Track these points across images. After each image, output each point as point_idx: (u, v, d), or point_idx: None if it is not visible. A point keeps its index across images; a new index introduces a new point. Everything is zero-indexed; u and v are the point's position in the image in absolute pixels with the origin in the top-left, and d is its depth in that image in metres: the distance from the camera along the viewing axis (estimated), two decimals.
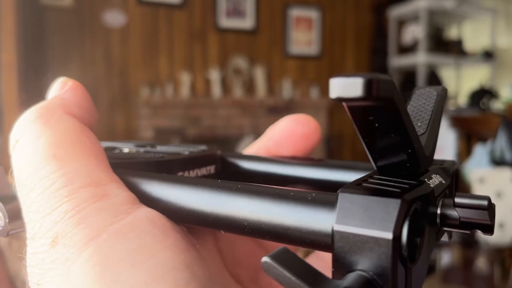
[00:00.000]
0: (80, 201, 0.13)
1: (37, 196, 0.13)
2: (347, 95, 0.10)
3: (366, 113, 0.12)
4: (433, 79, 3.07)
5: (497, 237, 1.72)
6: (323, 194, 0.13)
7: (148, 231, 0.13)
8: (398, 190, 0.12)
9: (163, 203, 0.15)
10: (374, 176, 0.13)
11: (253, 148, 0.22)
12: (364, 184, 0.12)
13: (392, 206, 0.11)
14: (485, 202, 0.12)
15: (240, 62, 2.82)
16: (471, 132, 2.25)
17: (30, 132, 0.14)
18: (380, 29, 3.21)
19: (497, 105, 2.88)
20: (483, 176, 1.76)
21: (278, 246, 0.20)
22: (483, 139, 2.13)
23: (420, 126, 0.16)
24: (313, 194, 0.13)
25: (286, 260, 0.11)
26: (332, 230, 0.11)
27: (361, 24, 3.19)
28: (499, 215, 1.71)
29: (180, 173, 0.18)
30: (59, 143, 0.14)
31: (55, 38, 2.42)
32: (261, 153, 0.21)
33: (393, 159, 0.13)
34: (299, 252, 0.22)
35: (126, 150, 0.19)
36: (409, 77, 3.10)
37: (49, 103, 0.16)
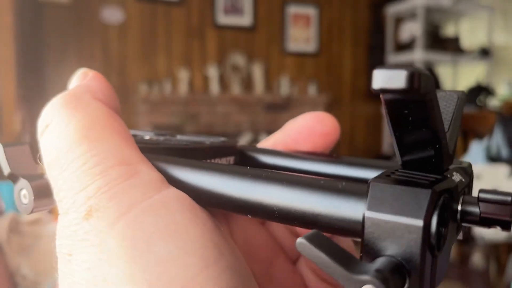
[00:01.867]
0: (112, 178, 0.13)
1: (70, 175, 0.14)
2: (390, 86, 0.11)
3: (403, 106, 0.12)
4: None
5: (493, 233, 1.74)
6: (353, 183, 0.13)
7: (178, 209, 0.14)
8: (427, 182, 0.12)
9: (191, 186, 0.15)
10: (400, 170, 0.14)
11: (269, 142, 0.22)
12: (393, 176, 0.13)
13: (423, 196, 0.11)
14: (508, 198, 0.13)
15: (238, 59, 2.82)
16: (467, 129, 2.26)
17: (60, 116, 0.15)
18: (377, 26, 3.22)
19: (494, 102, 2.90)
20: (479, 173, 1.77)
21: (291, 238, 0.20)
22: (479, 136, 2.14)
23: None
24: (344, 183, 0.13)
25: (320, 242, 0.11)
26: (363, 217, 0.12)
27: (358, 21, 3.19)
28: None
29: None
30: (90, 126, 0.15)
31: (53, 35, 2.42)
32: (278, 148, 0.21)
33: (420, 154, 0.14)
34: None
35: (147, 137, 0.20)
36: None
37: (76, 90, 0.16)
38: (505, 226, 0.13)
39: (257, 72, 2.84)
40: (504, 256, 1.82)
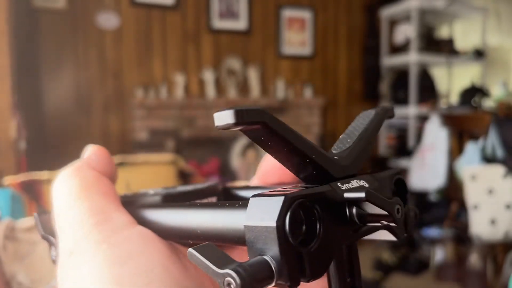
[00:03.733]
0: (90, 224, 0.18)
1: (63, 224, 0.19)
2: (223, 123, 0.14)
3: (256, 135, 0.15)
4: (425, 78, 3.09)
5: (490, 233, 1.74)
6: (245, 201, 0.15)
7: (138, 241, 0.18)
8: (288, 192, 0.14)
9: (150, 223, 0.19)
10: (297, 184, 0.16)
11: (253, 181, 0.25)
12: (272, 191, 0.15)
13: (277, 203, 0.14)
14: (362, 194, 0.14)
15: (233, 63, 2.83)
16: (462, 130, 2.28)
17: (65, 181, 0.20)
18: (372, 29, 3.24)
19: (488, 103, 2.92)
20: (475, 173, 1.79)
21: None
22: (474, 137, 2.16)
23: (349, 142, 0.19)
24: (240, 203, 0.16)
25: (206, 250, 0.14)
26: (244, 226, 0.14)
27: (353, 24, 3.21)
28: (491, 211, 1.73)
29: None
30: (82, 188, 0.20)
31: (48, 40, 2.41)
32: (254, 183, 0.24)
33: (305, 170, 0.16)
34: None
35: (151, 192, 0.23)
36: (401, 76, 3.13)
37: (79, 163, 0.22)
38: (388, 220, 0.15)
39: (253, 76, 2.85)
40: (501, 256, 1.83)
